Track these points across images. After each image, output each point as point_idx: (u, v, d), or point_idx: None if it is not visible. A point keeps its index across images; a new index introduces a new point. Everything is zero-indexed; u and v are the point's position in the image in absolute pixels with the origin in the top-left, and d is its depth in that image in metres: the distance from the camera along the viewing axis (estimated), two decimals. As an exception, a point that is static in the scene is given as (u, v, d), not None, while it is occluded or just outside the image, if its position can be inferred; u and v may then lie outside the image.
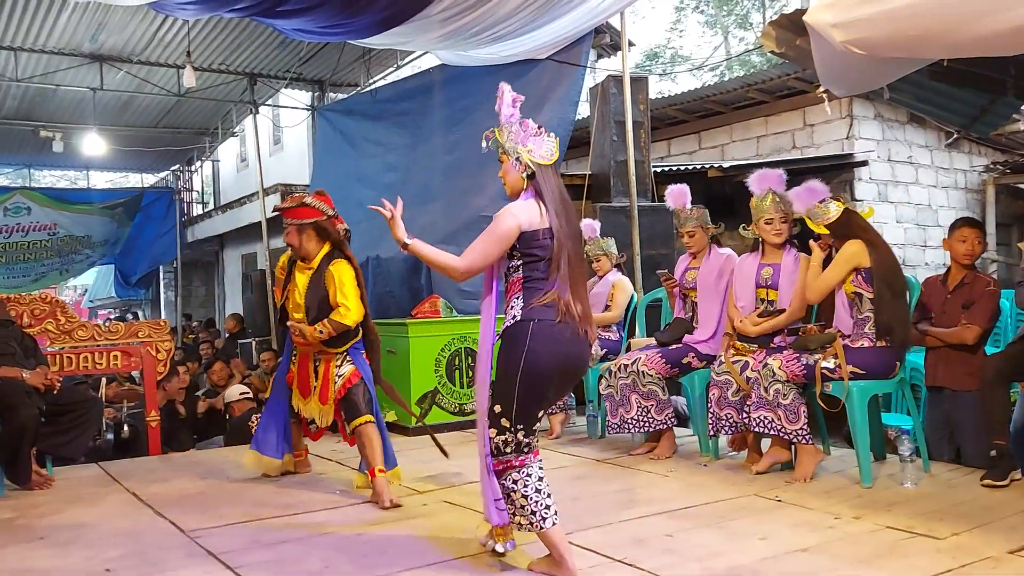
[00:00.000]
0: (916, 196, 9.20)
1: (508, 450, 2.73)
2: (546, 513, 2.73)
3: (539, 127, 2.88)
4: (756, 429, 4.00)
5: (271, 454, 4.23)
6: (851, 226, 4.01)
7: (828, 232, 4.05)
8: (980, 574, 2.71)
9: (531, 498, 2.72)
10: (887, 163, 8.87)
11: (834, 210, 4.03)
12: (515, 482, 2.73)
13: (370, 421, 3.97)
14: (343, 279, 3.97)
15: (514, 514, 2.77)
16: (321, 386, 4.06)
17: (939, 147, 9.42)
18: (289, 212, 4.05)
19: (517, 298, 2.79)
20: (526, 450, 2.75)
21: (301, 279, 4.08)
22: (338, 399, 4.01)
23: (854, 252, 3.91)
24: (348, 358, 4.05)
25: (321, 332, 3.91)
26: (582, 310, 2.78)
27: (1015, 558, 2.82)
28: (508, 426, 2.72)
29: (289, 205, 4.06)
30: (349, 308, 3.93)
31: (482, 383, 2.88)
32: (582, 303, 2.80)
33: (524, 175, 2.84)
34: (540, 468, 2.80)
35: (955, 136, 9.24)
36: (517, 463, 2.73)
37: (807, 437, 3.92)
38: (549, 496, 2.77)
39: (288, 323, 4.06)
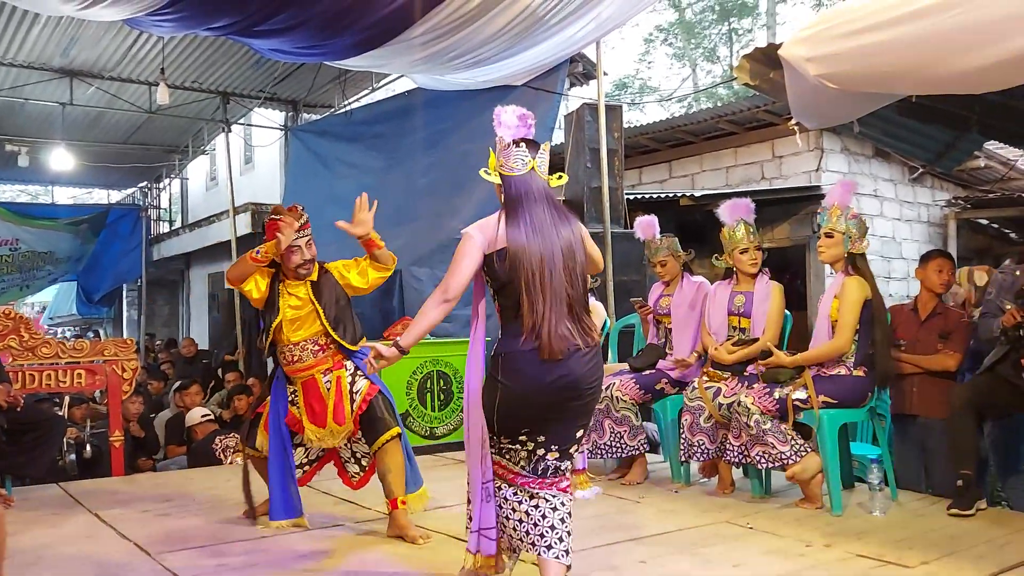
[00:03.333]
0: (881, 229, 9.36)
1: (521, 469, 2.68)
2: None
3: (511, 141, 2.76)
4: (762, 466, 3.98)
5: (280, 517, 3.67)
6: (865, 259, 4.08)
7: (859, 252, 4.01)
8: (950, 602, 2.74)
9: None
10: (853, 196, 9.03)
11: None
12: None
13: (398, 435, 3.64)
14: (347, 263, 3.83)
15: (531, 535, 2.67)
16: (335, 404, 3.65)
17: (903, 181, 9.63)
18: (307, 223, 3.77)
19: (499, 329, 2.73)
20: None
21: (302, 292, 3.73)
22: (359, 415, 3.65)
23: (863, 290, 3.94)
24: (359, 372, 3.72)
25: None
26: (553, 329, 2.59)
27: (984, 586, 2.87)
28: (490, 434, 2.69)
29: (302, 216, 3.76)
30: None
31: (472, 408, 2.76)
32: (562, 317, 2.62)
33: (499, 191, 2.79)
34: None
35: (920, 171, 9.46)
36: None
37: (805, 449, 3.91)
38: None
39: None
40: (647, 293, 5.09)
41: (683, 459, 4.40)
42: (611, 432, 4.53)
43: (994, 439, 4.06)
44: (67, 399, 6.50)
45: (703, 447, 4.27)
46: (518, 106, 2.82)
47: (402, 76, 8.65)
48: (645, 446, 4.60)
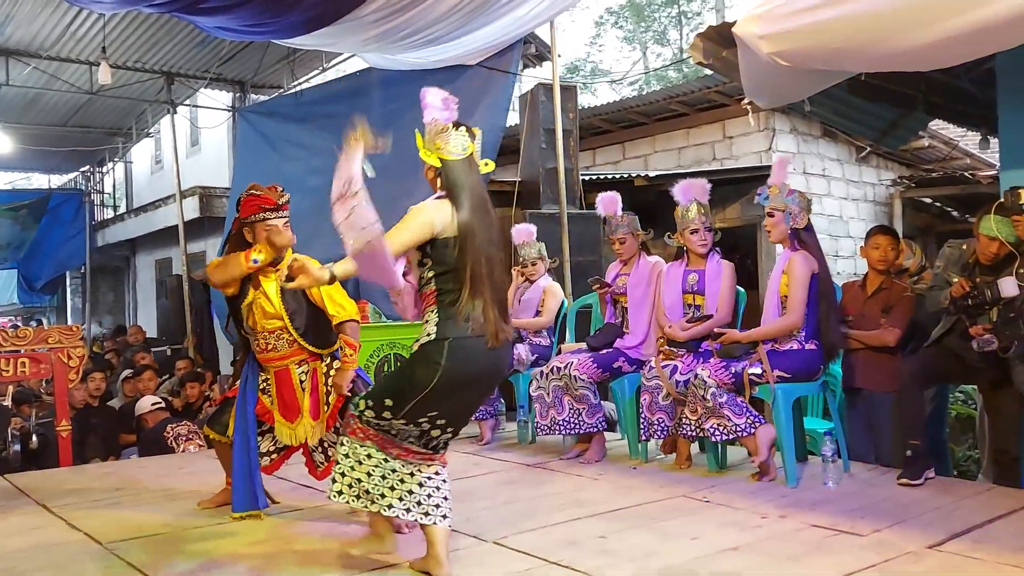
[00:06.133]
0: (828, 208, 9.53)
1: (370, 423, 2.75)
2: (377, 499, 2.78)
3: (450, 124, 2.77)
4: (716, 439, 4.02)
5: (242, 509, 3.51)
6: (812, 232, 4.11)
7: (802, 227, 4.04)
8: (903, 568, 2.81)
9: (357, 477, 2.77)
10: (802, 175, 9.18)
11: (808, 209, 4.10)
12: (354, 451, 2.78)
13: None
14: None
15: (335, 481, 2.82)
16: (311, 399, 3.53)
17: (850, 161, 9.80)
18: (287, 204, 3.52)
19: (432, 311, 2.72)
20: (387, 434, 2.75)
21: (272, 288, 3.50)
22: (337, 408, 3.50)
23: (809, 265, 3.98)
24: (337, 361, 3.59)
25: (350, 354, 3.46)
26: (497, 316, 2.72)
27: (934, 552, 2.94)
28: (389, 417, 2.72)
29: (281, 196, 3.50)
30: (344, 307, 3.51)
31: None
32: (500, 307, 2.75)
33: (434, 174, 2.78)
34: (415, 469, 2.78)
35: (866, 151, 9.63)
36: (367, 435, 2.76)
37: (758, 420, 3.94)
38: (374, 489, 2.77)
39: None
40: (604, 273, 5.10)
41: (643, 438, 4.44)
42: (570, 409, 4.54)
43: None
44: (10, 389, 6.31)
45: (662, 424, 4.31)
46: (441, 89, 2.82)
47: (353, 56, 8.52)
48: (603, 424, 4.63)
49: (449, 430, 2.81)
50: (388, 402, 2.72)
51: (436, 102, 2.78)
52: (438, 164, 2.75)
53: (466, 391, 2.77)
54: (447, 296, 2.69)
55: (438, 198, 2.76)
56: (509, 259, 6.36)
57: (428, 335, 2.70)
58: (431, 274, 2.73)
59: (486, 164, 2.86)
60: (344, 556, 3.04)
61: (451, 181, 2.74)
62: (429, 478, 2.79)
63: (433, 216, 2.69)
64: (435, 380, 2.64)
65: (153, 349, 11.35)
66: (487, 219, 2.76)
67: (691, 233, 4.41)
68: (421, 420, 2.72)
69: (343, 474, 2.79)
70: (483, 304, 2.68)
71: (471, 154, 2.79)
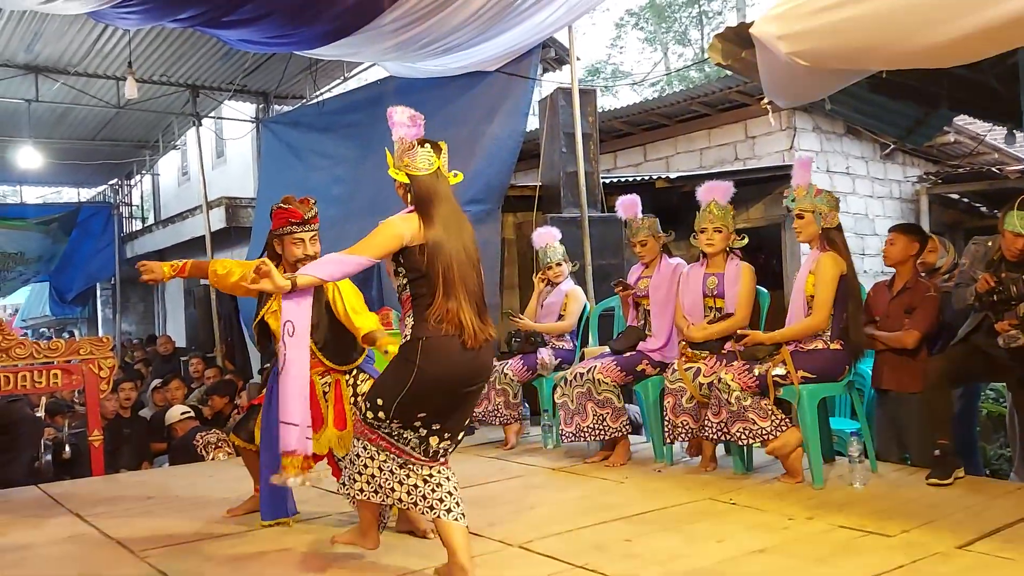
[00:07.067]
0: (854, 206, 9.45)
1: (371, 424, 2.85)
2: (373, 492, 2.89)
3: (416, 141, 2.87)
4: (743, 443, 4.02)
5: (271, 517, 3.62)
6: (840, 232, 4.08)
7: (833, 226, 4.03)
8: (931, 568, 2.78)
9: (372, 473, 2.87)
10: (826, 174, 9.11)
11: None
12: (365, 449, 2.88)
13: None
14: (342, 286, 3.49)
15: (347, 480, 2.95)
16: (335, 410, 3.55)
17: (875, 158, 9.71)
18: (316, 218, 3.60)
19: (409, 316, 2.86)
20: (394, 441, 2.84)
21: None
22: None
23: (838, 266, 3.96)
24: (363, 373, 3.62)
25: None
26: (473, 318, 2.81)
27: (963, 552, 2.91)
28: (384, 418, 2.81)
29: (309, 210, 3.57)
30: (367, 319, 3.50)
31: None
32: (475, 310, 2.83)
33: (404, 190, 2.89)
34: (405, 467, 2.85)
35: (891, 148, 9.53)
36: (374, 437, 2.85)
37: (785, 424, 3.94)
38: (386, 489, 2.86)
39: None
40: (626, 276, 5.11)
41: (668, 440, 4.43)
42: (594, 415, 4.54)
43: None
44: (43, 399, 6.43)
45: (687, 427, 4.30)
46: (407, 107, 2.90)
47: (374, 65, 8.59)
48: (627, 427, 4.62)
49: (446, 435, 2.86)
50: (379, 402, 2.82)
51: (403, 120, 2.88)
52: (406, 181, 2.87)
53: (447, 391, 2.81)
54: (421, 300, 2.81)
55: (407, 212, 2.87)
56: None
57: (405, 337, 2.85)
58: (405, 280, 2.86)
59: (455, 176, 2.96)
60: (372, 563, 3.07)
61: (419, 196, 2.85)
62: (431, 475, 2.85)
63: (401, 229, 2.79)
64: (412, 378, 2.75)
65: (182, 359, 11.52)
66: (458, 228, 2.87)
67: (700, 232, 4.43)
68: (415, 423, 2.80)
69: (360, 472, 2.89)
70: (456, 306, 2.78)
71: (438, 168, 2.90)
